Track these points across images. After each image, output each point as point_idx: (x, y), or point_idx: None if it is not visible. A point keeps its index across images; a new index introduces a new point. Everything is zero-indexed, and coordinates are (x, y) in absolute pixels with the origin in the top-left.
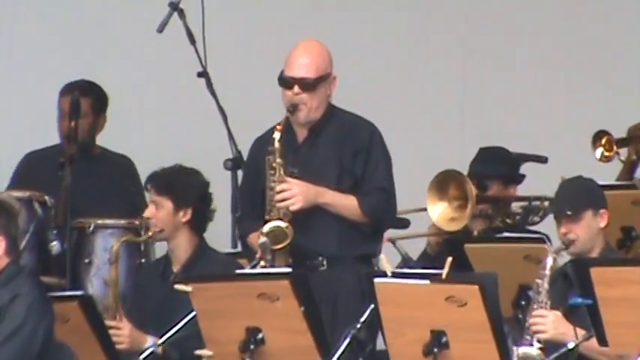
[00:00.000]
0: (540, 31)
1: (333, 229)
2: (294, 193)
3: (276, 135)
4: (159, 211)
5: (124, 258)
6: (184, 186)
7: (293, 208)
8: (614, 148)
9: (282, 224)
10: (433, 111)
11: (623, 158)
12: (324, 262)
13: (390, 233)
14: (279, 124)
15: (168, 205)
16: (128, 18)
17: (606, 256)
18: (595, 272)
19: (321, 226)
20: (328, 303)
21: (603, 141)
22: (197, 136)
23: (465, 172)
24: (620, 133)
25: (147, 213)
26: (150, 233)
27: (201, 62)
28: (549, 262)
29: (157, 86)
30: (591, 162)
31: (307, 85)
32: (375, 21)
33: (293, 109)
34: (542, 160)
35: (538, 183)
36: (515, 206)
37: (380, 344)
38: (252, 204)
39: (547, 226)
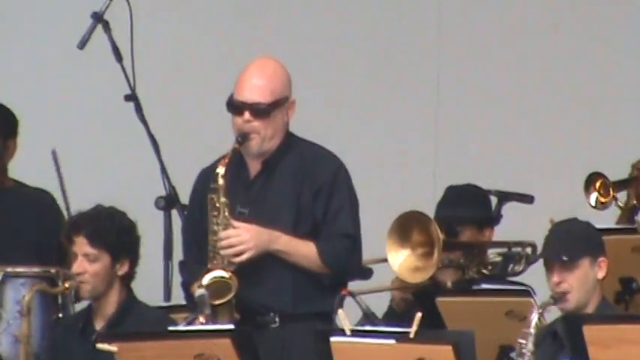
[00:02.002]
0: (523, 55)
1: (286, 281)
2: (242, 239)
3: (220, 170)
4: (92, 265)
5: (38, 311)
6: (120, 235)
7: (241, 258)
8: (611, 192)
9: (225, 275)
10: (404, 145)
11: (621, 204)
12: (276, 319)
13: (349, 285)
14: (224, 156)
15: (105, 258)
16: (45, 31)
17: (602, 313)
18: (589, 331)
19: (273, 277)
20: None
21: (598, 185)
22: (124, 170)
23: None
24: (615, 169)
25: (77, 268)
26: (66, 285)
27: (129, 83)
28: (534, 318)
29: (78, 111)
30: (583, 202)
31: (260, 111)
32: (341, 41)
33: (242, 138)
34: (528, 199)
35: (518, 226)
36: (493, 253)
37: None
38: (197, 246)
39: (530, 277)
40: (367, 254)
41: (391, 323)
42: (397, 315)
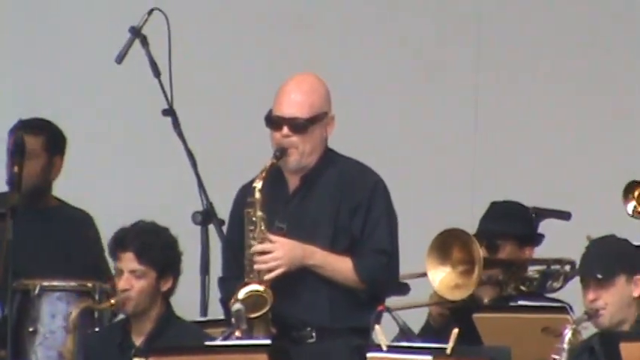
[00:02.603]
0: (559, 73)
1: (323, 296)
2: (276, 255)
3: (257, 184)
4: (139, 281)
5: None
6: (166, 251)
7: (275, 273)
8: None
9: (261, 288)
10: (442, 161)
11: None
12: (313, 334)
13: (386, 301)
14: (263, 171)
15: (151, 275)
16: (82, 47)
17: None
18: (626, 349)
19: (309, 291)
20: None
21: (636, 194)
22: (161, 185)
23: (475, 231)
24: None
25: (124, 284)
26: (112, 301)
27: (166, 98)
28: (568, 334)
29: (114, 126)
30: (624, 219)
31: (298, 126)
32: (381, 57)
33: (281, 153)
34: (565, 216)
35: (558, 244)
36: (532, 270)
37: None
38: (236, 262)
39: (568, 294)
40: (405, 269)
41: (428, 339)
42: (434, 330)
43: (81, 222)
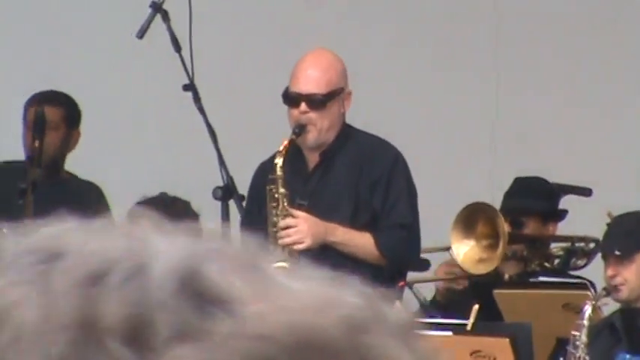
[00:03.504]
0: (580, 49)
1: (345, 272)
2: (300, 229)
3: (279, 161)
4: None
5: None
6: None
7: (299, 247)
8: None
9: (284, 265)
10: (461, 136)
11: None
12: None
13: (407, 276)
14: (282, 147)
15: None
16: (102, 22)
17: None
18: None
19: (332, 268)
20: None
21: None
22: (182, 160)
23: (497, 206)
24: None
25: None
26: None
27: (187, 73)
28: (587, 310)
29: (135, 101)
30: None
31: (316, 102)
32: (398, 33)
33: (300, 130)
34: (586, 192)
35: (580, 221)
36: (555, 247)
37: None
38: (254, 236)
39: (593, 271)
40: (427, 244)
41: (434, 314)
42: (439, 306)
43: (89, 194)
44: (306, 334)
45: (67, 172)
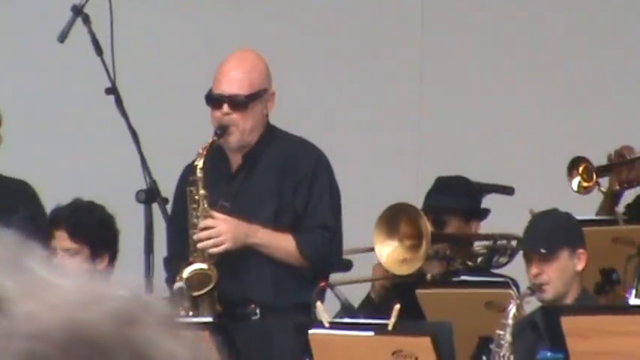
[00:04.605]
0: (503, 48)
1: (267, 273)
2: (220, 231)
3: (199, 162)
4: (72, 259)
5: None
6: (100, 229)
7: (218, 249)
8: (594, 177)
9: (205, 266)
10: (386, 136)
11: (604, 189)
12: (257, 311)
13: (329, 277)
14: (203, 149)
15: (85, 253)
16: (23, 25)
17: (580, 304)
18: (567, 322)
19: (253, 269)
20: (260, 358)
21: (581, 169)
22: (105, 163)
23: (420, 206)
24: (598, 160)
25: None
26: None
27: (109, 76)
28: (512, 309)
29: (57, 104)
30: (566, 193)
31: (239, 104)
32: (323, 32)
33: (222, 131)
34: (508, 191)
35: (503, 219)
36: (479, 246)
37: None
38: (181, 242)
39: (514, 269)
40: (350, 245)
41: (368, 313)
42: (374, 305)
43: (17, 192)
44: (76, 330)
45: None
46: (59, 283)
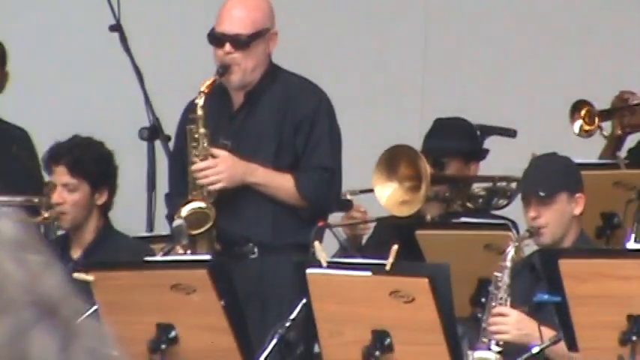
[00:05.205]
0: None
1: (266, 212)
2: (218, 170)
3: (199, 101)
4: (72, 195)
5: None
6: (99, 164)
7: (214, 187)
8: (596, 121)
9: (204, 205)
10: (389, 79)
11: (605, 133)
12: (255, 250)
13: (328, 217)
14: (205, 87)
15: (84, 188)
16: None
17: (578, 247)
18: (564, 265)
19: (252, 208)
20: (258, 297)
21: (583, 112)
22: (108, 100)
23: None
24: (600, 104)
25: (57, 198)
26: (46, 214)
27: (113, 13)
28: (510, 252)
29: (61, 41)
30: (568, 137)
31: (241, 43)
32: None
33: (223, 70)
34: (511, 133)
35: (504, 160)
36: (478, 188)
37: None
38: (182, 178)
39: (514, 211)
40: (352, 186)
41: (372, 251)
42: (377, 243)
43: (17, 138)
44: None
45: None
46: None
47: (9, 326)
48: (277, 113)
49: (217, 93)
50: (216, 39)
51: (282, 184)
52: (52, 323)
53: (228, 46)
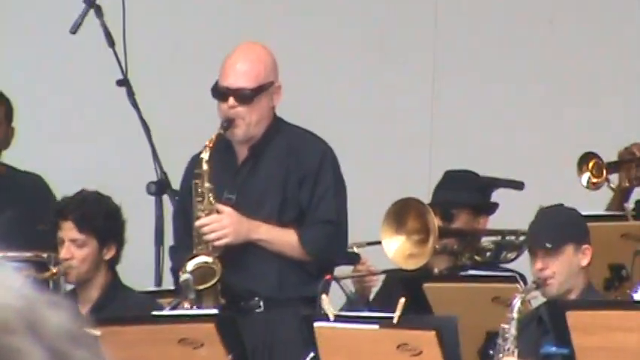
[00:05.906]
0: (516, 40)
1: (272, 266)
2: (223, 225)
3: (204, 155)
4: (80, 250)
5: None
6: (107, 219)
7: (219, 243)
8: (604, 173)
9: (209, 260)
10: (397, 130)
11: (613, 185)
12: (261, 304)
13: (335, 270)
14: (209, 142)
15: (92, 243)
16: (36, 16)
17: (586, 299)
18: (572, 317)
19: (258, 262)
20: (264, 351)
21: (590, 165)
22: (116, 155)
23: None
24: (608, 156)
25: (65, 254)
26: (54, 270)
27: (121, 68)
28: (517, 303)
29: (69, 96)
30: (576, 190)
31: (244, 97)
32: (334, 24)
33: (228, 124)
34: (518, 186)
35: (512, 214)
36: (486, 241)
37: None
38: (187, 232)
39: (522, 264)
40: (359, 239)
41: (381, 304)
42: (385, 297)
43: (33, 187)
44: None
45: (4, 165)
46: None
47: None
48: (281, 167)
49: (222, 147)
50: (220, 93)
51: (285, 240)
52: None
53: (232, 100)
